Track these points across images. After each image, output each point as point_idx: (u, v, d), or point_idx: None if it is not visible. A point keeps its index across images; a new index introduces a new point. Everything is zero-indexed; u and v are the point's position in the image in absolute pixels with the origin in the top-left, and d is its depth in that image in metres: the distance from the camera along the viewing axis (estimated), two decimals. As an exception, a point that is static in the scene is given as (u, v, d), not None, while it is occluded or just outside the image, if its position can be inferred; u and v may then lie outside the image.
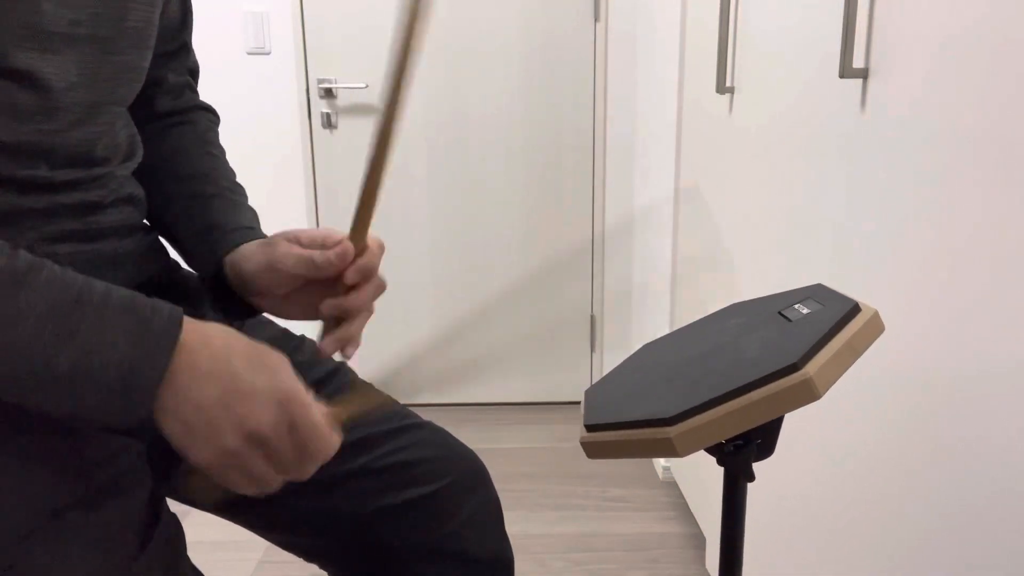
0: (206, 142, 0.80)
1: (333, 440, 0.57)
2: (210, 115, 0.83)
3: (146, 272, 0.72)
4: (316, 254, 0.66)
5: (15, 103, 0.55)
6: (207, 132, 0.81)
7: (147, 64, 0.68)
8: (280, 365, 0.55)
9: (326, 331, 0.68)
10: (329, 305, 0.67)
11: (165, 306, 0.53)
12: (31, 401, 0.50)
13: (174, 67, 0.79)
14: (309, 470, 0.57)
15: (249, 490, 0.56)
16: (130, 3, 0.63)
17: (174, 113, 0.80)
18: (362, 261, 0.67)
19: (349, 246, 0.66)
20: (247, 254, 0.69)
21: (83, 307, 0.49)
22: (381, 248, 0.69)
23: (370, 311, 0.70)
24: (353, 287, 0.68)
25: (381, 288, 0.70)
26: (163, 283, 0.74)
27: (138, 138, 0.72)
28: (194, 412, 0.52)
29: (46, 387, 0.49)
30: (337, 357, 0.70)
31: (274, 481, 0.56)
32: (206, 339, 0.53)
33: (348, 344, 0.68)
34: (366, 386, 0.79)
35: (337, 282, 0.67)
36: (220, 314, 0.75)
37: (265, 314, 0.76)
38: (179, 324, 0.52)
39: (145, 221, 0.75)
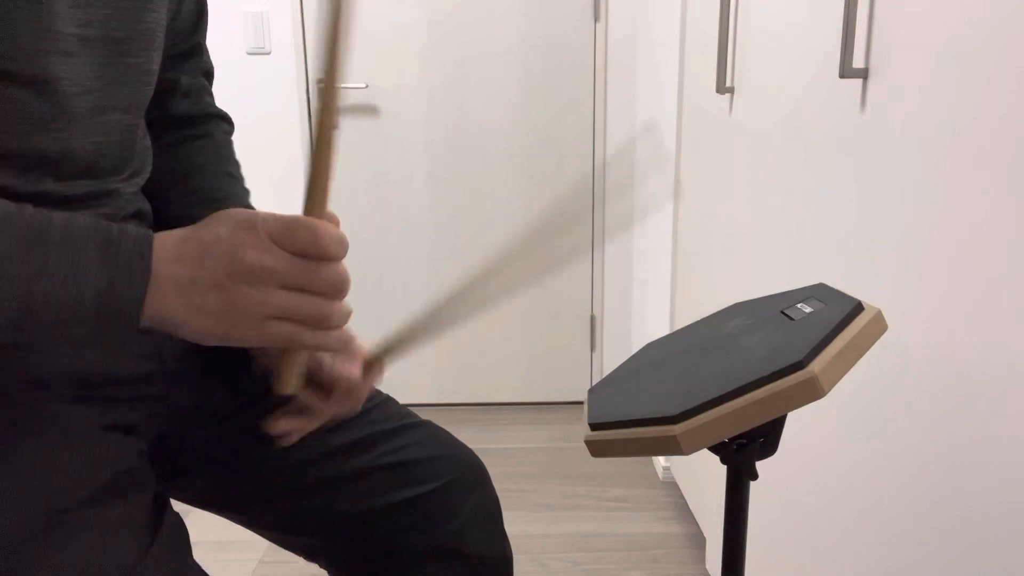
0: (225, 160, 0.80)
1: (325, 228, 0.53)
2: (226, 125, 0.83)
3: None
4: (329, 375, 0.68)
5: (25, 110, 0.55)
6: (224, 147, 0.81)
7: (157, 67, 0.68)
8: (232, 211, 0.53)
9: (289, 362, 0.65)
10: (277, 422, 0.70)
11: (131, 226, 0.52)
12: (18, 339, 0.49)
13: (188, 69, 0.79)
14: (335, 273, 0.54)
15: (314, 334, 0.54)
16: (144, 4, 0.63)
17: (191, 120, 0.79)
18: (351, 393, 0.69)
19: (357, 372, 0.68)
20: None
21: (46, 241, 0.48)
22: (378, 378, 0.72)
23: (323, 415, 0.72)
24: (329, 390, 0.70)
25: (350, 408, 0.72)
26: None
27: (150, 152, 0.72)
28: (182, 295, 0.50)
29: (27, 324, 0.48)
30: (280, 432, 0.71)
31: (320, 309, 0.53)
32: (169, 234, 0.52)
33: (290, 434, 0.71)
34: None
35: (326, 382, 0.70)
36: None
37: None
38: (148, 237, 0.51)
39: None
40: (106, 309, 0.49)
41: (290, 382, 0.63)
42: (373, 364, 0.70)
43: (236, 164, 0.82)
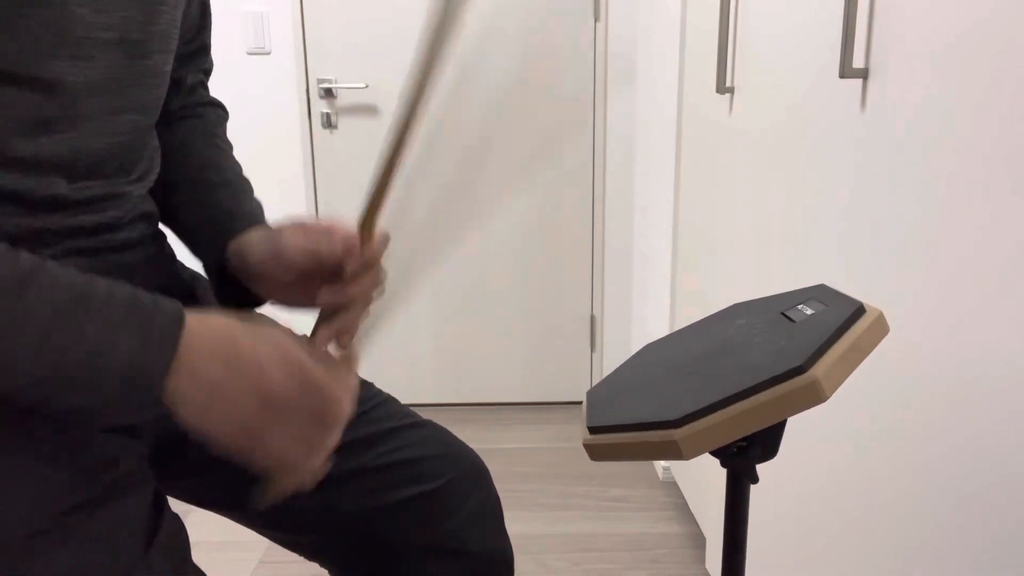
0: (213, 135, 0.80)
1: (346, 396, 0.57)
2: (219, 110, 0.84)
3: (153, 279, 0.71)
4: (322, 246, 0.66)
5: (38, 113, 0.55)
6: (215, 126, 0.81)
7: (169, 68, 0.68)
8: (280, 332, 0.56)
9: (321, 321, 0.67)
10: (325, 293, 0.67)
11: (166, 301, 0.53)
12: (41, 399, 0.50)
13: (192, 68, 0.80)
14: (333, 432, 0.57)
15: (302, 459, 0.56)
16: (159, 6, 0.63)
17: (184, 107, 0.80)
18: (366, 254, 0.67)
19: (354, 239, 0.65)
20: (252, 242, 0.70)
21: (87, 307, 0.49)
22: (386, 240, 0.69)
23: (367, 301, 0.70)
24: (353, 277, 0.67)
25: (381, 279, 0.70)
26: (170, 289, 0.74)
27: (158, 153, 0.72)
28: (204, 391, 0.52)
29: (55, 388, 0.49)
30: (332, 349, 0.69)
31: (304, 453, 0.56)
32: (208, 323, 0.54)
33: (343, 334, 0.68)
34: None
35: (339, 271, 0.67)
36: (223, 304, 0.76)
37: (268, 305, 0.76)
38: (181, 317, 0.53)
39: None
40: (131, 376, 0.50)
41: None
42: (364, 230, 0.67)
43: (226, 141, 0.82)
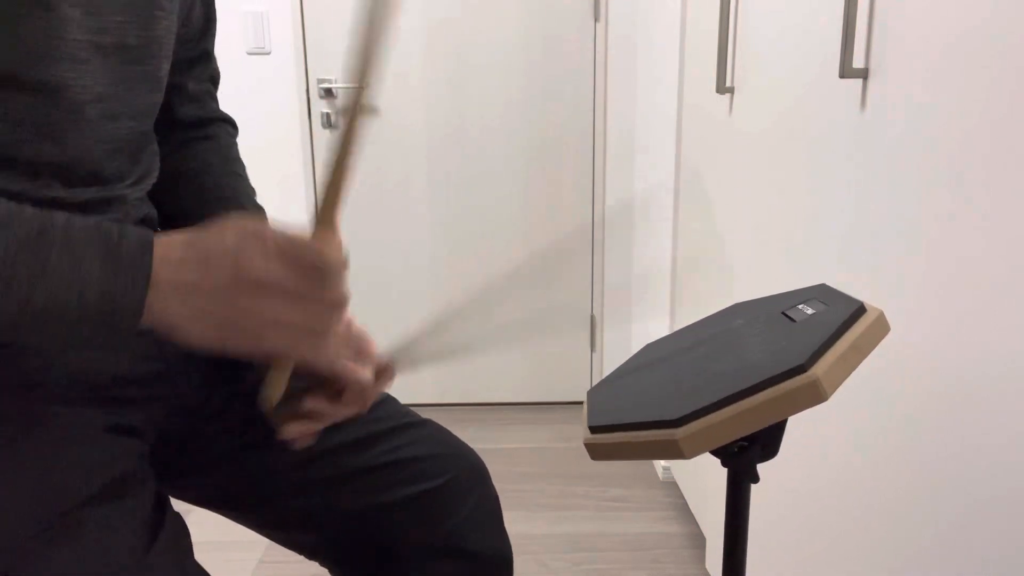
0: (230, 160, 0.80)
1: (329, 248, 0.54)
2: (230, 127, 0.84)
3: None
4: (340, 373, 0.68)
5: (35, 116, 0.55)
6: (230, 148, 0.82)
7: (166, 74, 0.68)
8: (247, 219, 0.53)
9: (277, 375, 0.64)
10: (291, 429, 0.70)
11: (133, 228, 0.52)
12: (18, 338, 0.49)
13: (195, 74, 0.80)
14: (334, 293, 0.54)
15: (308, 344, 0.54)
16: (156, 12, 0.63)
17: (196, 123, 0.80)
18: (361, 396, 0.69)
19: (369, 377, 0.68)
20: None
21: (47, 241, 0.48)
22: (388, 383, 0.72)
23: (332, 417, 0.71)
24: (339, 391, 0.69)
25: (360, 408, 0.72)
26: None
27: (157, 157, 0.72)
28: (182, 300, 0.50)
29: (28, 324, 0.48)
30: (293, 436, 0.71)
31: (314, 322, 0.54)
32: (174, 237, 0.52)
33: (302, 439, 0.70)
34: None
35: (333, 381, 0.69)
36: None
37: None
38: (150, 240, 0.51)
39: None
40: (107, 310, 0.49)
41: (274, 394, 0.63)
42: (384, 369, 0.70)
43: (241, 164, 0.82)
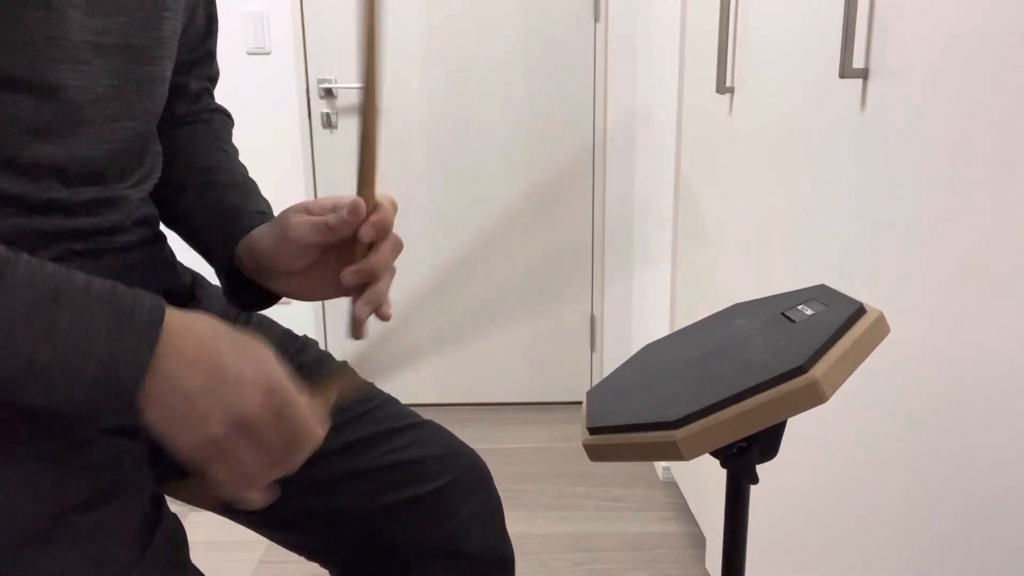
0: (219, 139, 0.80)
1: (319, 430, 0.56)
2: (224, 117, 0.83)
3: (153, 282, 0.71)
4: (329, 216, 0.64)
5: (36, 117, 0.55)
6: (220, 131, 0.81)
7: (169, 74, 0.68)
8: (265, 353, 0.54)
9: (355, 302, 0.66)
10: (349, 273, 0.65)
11: (147, 296, 0.51)
12: (14, 397, 0.49)
13: (196, 75, 0.80)
14: (296, 461, 0.56)
15: (237, 486, 0.55)
16: (162, 12, 0.63)
17: (190, 113, 0.80)
18: (375, 217, 0.65)
19: (361, 202, 0.64)
20: (260, 234, 0.68)
21: (62, 302, 0.48)
22: (394, 205, 0.67)
23: (392, 270, 0.68)
24: (370, 248, 0.66)
25: (399, 245, 0.68)
26: (170, 292, 0.74)
27: (159, 158, 0.71)
28: (179, 399, 0.50)
29: (27, 382, 0.48)
30: (373, 324, 0.67)
31: (262, 475, 0.55)
32: (190, 326, 0.52)
33: (381, 305, 0.67)
34: (346, 370, 0.79)
35: (353, 248, 0.65)
36: (236, 306, 0.75)
37: (276, 307, 0.75)
38: (161, 315, 0.51)
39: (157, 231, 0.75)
40: (106, 377, 0.49)
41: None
42: (365, 196, 0.66)
43: (232, 145, 0.81)
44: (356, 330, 0.66)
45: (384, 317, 0.67)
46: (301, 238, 0.65)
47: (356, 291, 0.66)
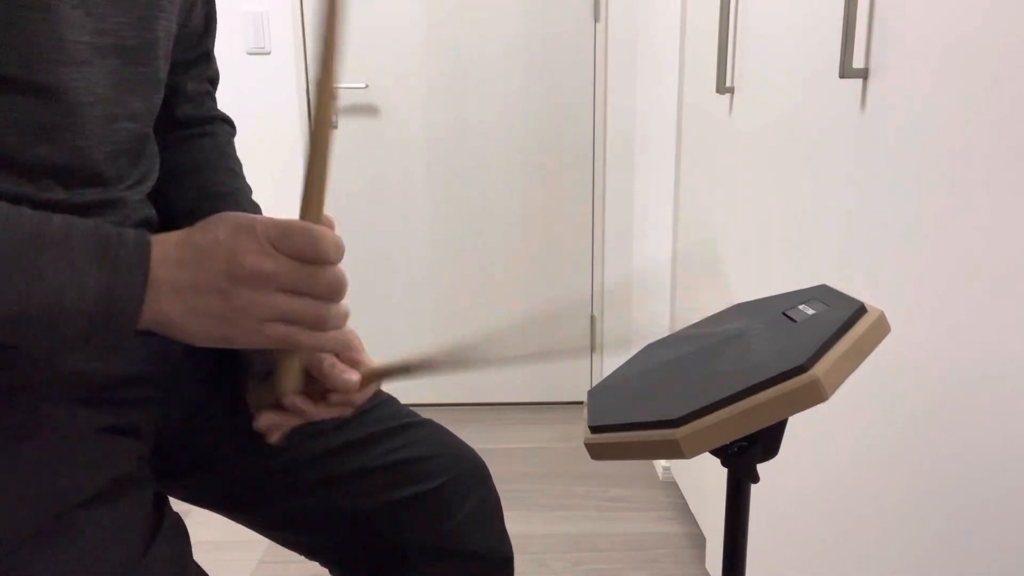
0: (226, 156, 0.80)
1: (324, 233, 0.54)
2: (228, 127, 0.84)
3: None
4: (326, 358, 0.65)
5: (35, 118, 0.55)
6: (227, 146, 0.81)
7: (165, 75, 0.68)
8: (233, 216, 0.53)
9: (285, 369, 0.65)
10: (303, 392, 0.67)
11: (130, 231, 0.52)
12: (16, 341, 0.49)
13: (194, 75, 0.79)
14: (331, 275, 0.54)
15: (312, 335, 0.54)
16: (157, 13, 0.63)
17: (194, 122, 0.80)
18: (351, 397, 0.67)
19: (356, 382, 0.66)
20: None
21: (45, 244, 0.48)
22: (376, 386, 0.70)
23: (312, 417, 0.69)
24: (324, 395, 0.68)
25: (343, 412, 0.70)
26: None
27: (157, 159, 0.72)
28: (180, 300, 0.51)
29: (25, 327, 0.48)
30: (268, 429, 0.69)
31: (318, 311, 0.53)
32: (168, 238, 0.52)
33: (275, 430, 0.68)
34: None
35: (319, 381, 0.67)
36: None
37: None
38: (147, 243, 0.51)
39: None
40: (104, 312, 0.49)
41: (289, 383, 0.63)
42: (372, 377, 0.69)
43: (238, 162, 0.82)
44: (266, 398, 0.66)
45: (273, 441, 0.69)
46: None
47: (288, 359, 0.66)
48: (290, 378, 0.63)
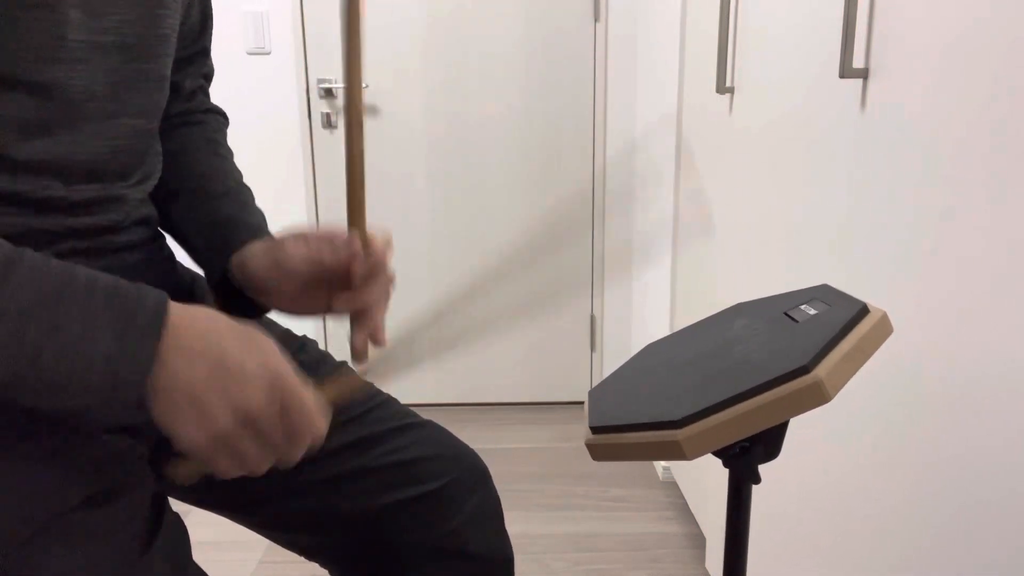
0: (214, 142, 0.80)
1: (322, 424, 0.56)
2: (219, 117, 0.83)
3: (153, 281, 0.71)
4: (325, 255, 0.65)
5: (33, 116, 0.55)
6: (215, 133, 0.81)
7: (169, 72, 0.68)
8: (269, 346, 0.54)
9: (352, 330, 0.67)
10: (343, 300, 0.66)
11: (150, 292, 0.51)
12: (19, 397, 0.49)
13: (191, 72, 0.79)
14: (297, 454, 0.56)
15: (235, 473, 0.55)
16: (159, 10, 0.63)
17: (184, 114, 0.79)
18: (371, 258, 0.66)
19: (357, 242, 0.65)
20: (254, 254, 0.69)
21: (66, 300, 0.48)
22: (389, 243, 0.68)
23: (386, 300, 0.69)
24: (364, 282, 0.67)
25: (391, 280, 0.69)
26: (170, 290, 0.74)
27: (160, 158, 0.71)
28: (184, 394, 0.50)
29: (31, 383, 0.48)
30: (372, 351, 0.68)
31: (262, 465, 0.55)
32: (193, 320, 0.52)
33: (374, 334, 0.67)
34: (347, 370, 0.79)
35: (346, 277, 0.66)
36: (226, 313, 0.75)
37: (270, 314, 0.75)
38: (164, 310, 0.51)
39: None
40: (109, 378, 0.49)
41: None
42: (357, 233, 0.67)
43: (227, 148, 0.81)
44: (358, 357, 0.67)
45: (379, 343, 0.68)
46: (294, 268, 0.66)
47: (355, 316, 0.67)
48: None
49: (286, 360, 0.55)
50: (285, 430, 0.54)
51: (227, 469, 0.54)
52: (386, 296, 0.69)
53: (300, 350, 0.80)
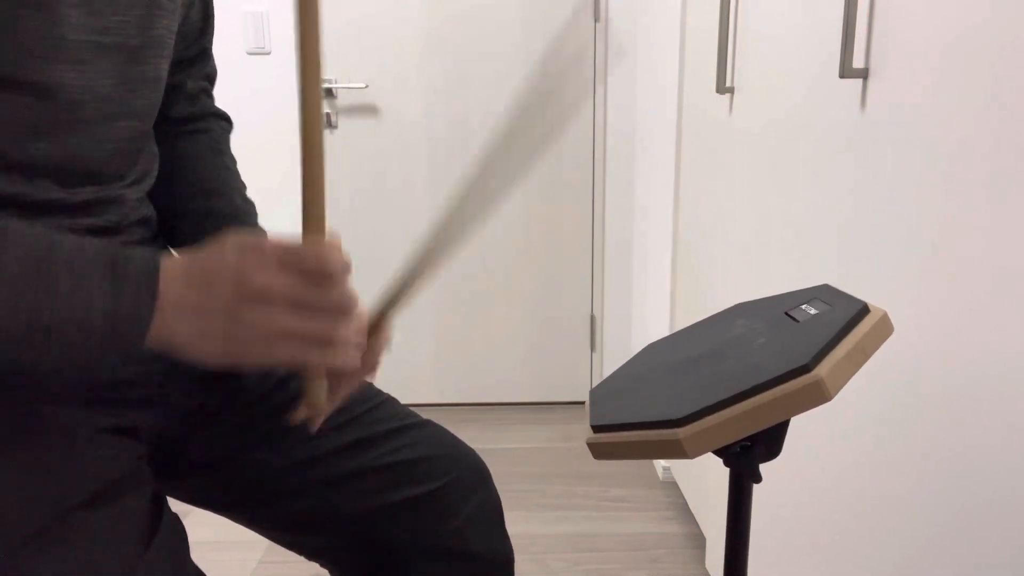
0: (220, 152, 0.80)
1: (331, 250, 0.53)
2: (224, 123, 0.83)
3: None
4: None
5: (31, 117, 0.55)
6: (221, 142, 0.81)
7: (165, 73, 0.68)
8: (240, 236, 0.53)
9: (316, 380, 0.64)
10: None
11: (140, 249, 0.52)
12: (24, 358, 0.49)
13: (193, 73, 0.79)
14: (340, 292, 0.53)
15: (322, 354, 0.53)
16: (156, 11, 0.63)
17: (190, 119, 0.80)
18: (367, 356, 0.66)
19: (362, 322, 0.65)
20: None
21: (57, 261, 0.48)
22: (387, 343, 0.69)
23: (337, 400, 0.68)
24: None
25: (373, 370, 0.70)
26: None
27: (156, 158, 0.72)
28: (189, 320, 0.51)
29: (32, 347, 0.48)
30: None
31: (323, 328, 0.53)
32: (177, 259, 0.52)
33: (335, 393, 0.67)
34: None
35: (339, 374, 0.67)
36: None
37: None
38: (156, 264, 0.51)
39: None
40: (113, 330, 0.49)
41: (318, 398, 0.62)
42: (377, 324, 0.67)
43: (232, 158, 0.82)
44: (311, 408, 0.65)
45: (332, 400, 0.68)
46: None
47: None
48: (318, 394, 0.62)
49: (255, 234, 0.54)
50: (301, 277, 0.52)
51: (298, 354, 0.53)
52: (361, 376, 0.69)
53: None
